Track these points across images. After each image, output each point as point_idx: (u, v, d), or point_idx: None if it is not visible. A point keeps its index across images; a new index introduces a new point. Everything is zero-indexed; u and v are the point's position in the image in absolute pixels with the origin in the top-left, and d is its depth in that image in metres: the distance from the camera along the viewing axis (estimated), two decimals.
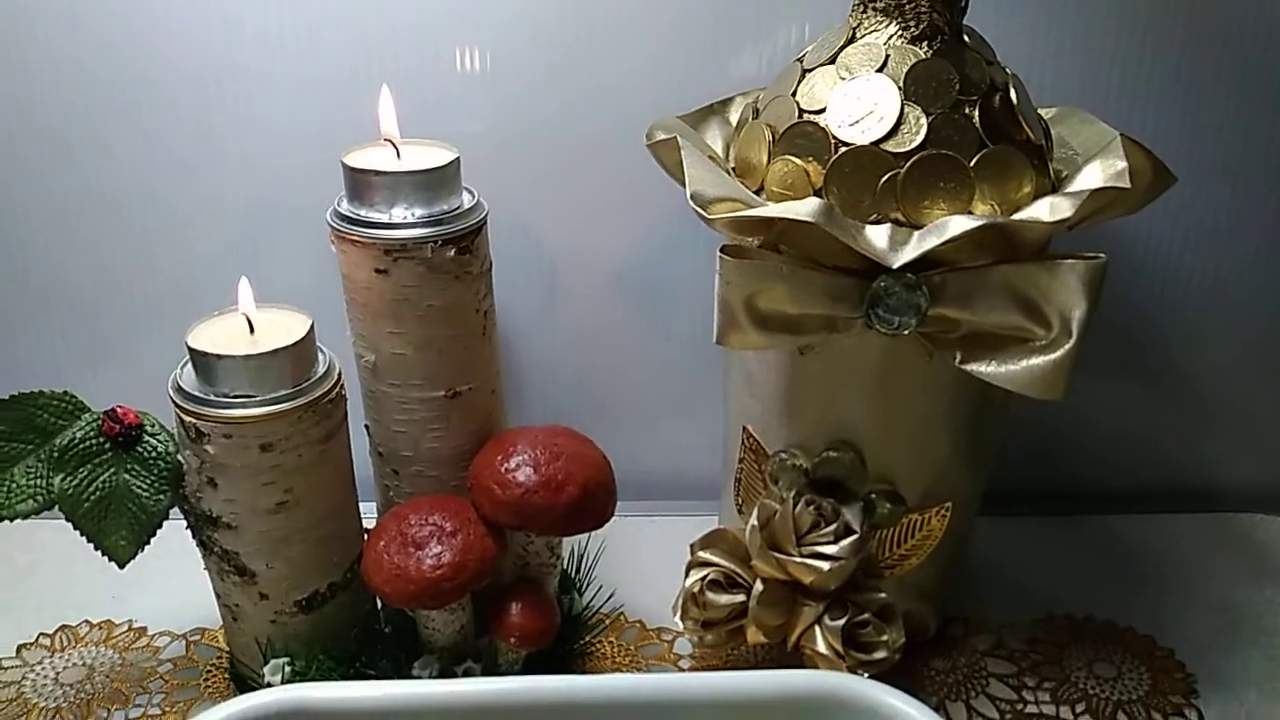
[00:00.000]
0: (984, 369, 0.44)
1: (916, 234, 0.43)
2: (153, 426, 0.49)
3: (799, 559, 0.49)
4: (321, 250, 0.51)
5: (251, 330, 0.48)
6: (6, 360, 0.65)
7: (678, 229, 0.63)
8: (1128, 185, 0.42)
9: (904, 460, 0.50)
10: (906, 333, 0.44)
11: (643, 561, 0.61)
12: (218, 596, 0.52)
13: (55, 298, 0.64)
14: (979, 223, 0.41)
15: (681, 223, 0.63)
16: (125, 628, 0.57)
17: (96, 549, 0.48)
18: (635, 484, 0.56)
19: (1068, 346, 0.42)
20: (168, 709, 0.52)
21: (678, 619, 0.54)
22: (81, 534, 0.48)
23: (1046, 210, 0.42)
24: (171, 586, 0.58)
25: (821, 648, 0.50)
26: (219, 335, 0.48)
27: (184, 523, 0.50)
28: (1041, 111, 0.51)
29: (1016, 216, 0.42)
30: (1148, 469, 0.69)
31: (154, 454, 0.48)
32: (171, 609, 0.58)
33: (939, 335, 0.45)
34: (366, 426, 0.54)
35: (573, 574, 0.58)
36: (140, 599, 0.59)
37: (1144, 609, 0.58)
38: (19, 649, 0.56)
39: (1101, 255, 0.42)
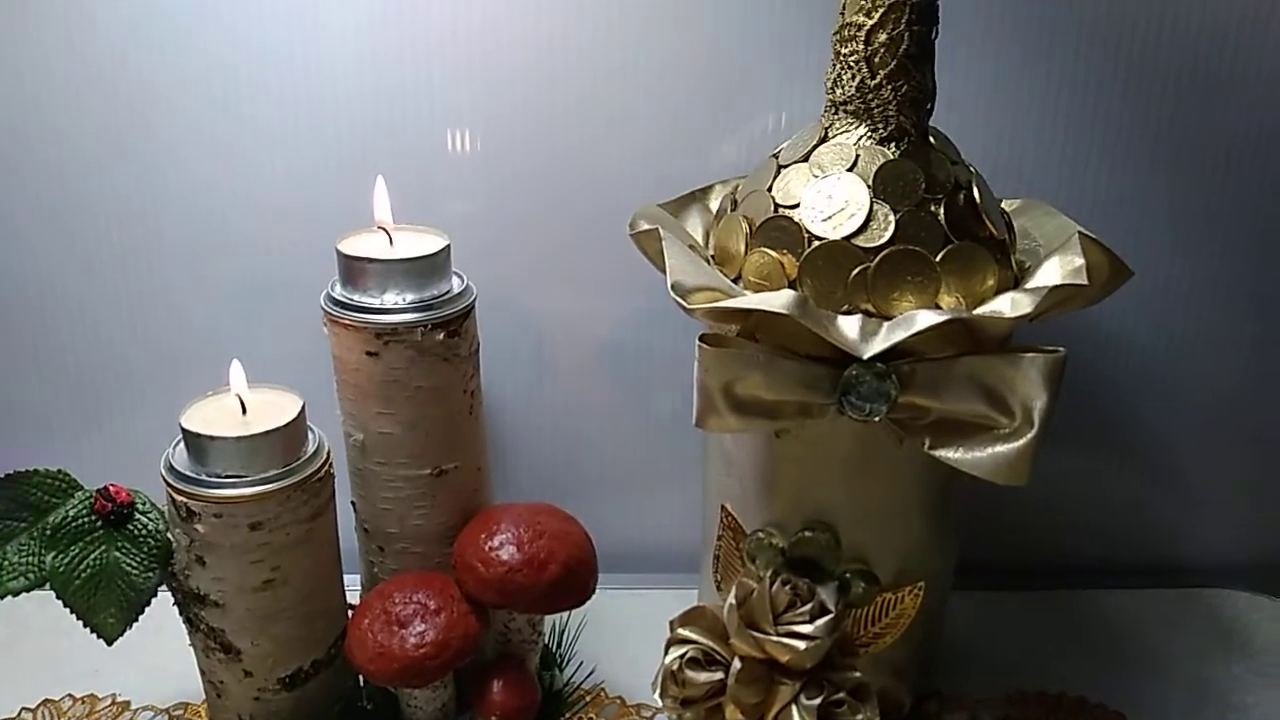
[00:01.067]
0: (951, 455, 0.46)
1: (886, 326, 0.45)
2: (144, 505, 0.50)
3: (776, 638, 0.50)
4: (313, 328, 0.53)
5: (244, 411, 0.49)
6: (5, 422, 0.66)
7: (660, 310, 0.65)
8: (1085, 282, 0.44)
9: (877, 540, 0.51)
10: (877, 419, 0.46)
11: (624, 636, 0.62)
12: (202, 673, 0.53)
13: (51, 366, 0.65)
14: (944, 317, 0.43)
15: (664, 304, 0.65)
16: (109, 702, 0.57)
17: (85, 626, 0.48)
18: (618, 556, 0.57)
19: (1030, 435, 0.44)
20: None
21: (657, 696, 0.55)
22: (71, 611, 0.48)
23: (1008, 306, 0.44)
24: (155, 661, 0.59)
25: None
26: (212, 415, 0.49)
27: (169, 600, 0.51)
28: (1005, 204, 0.54)
29: (979, 311, 0.45)
30: (1118, 542, 0.70)
31: (144, 532, 0.49)
32: (155, 684, 0.58)
33: (909, 421, 0.47)
34: (353, 503, 0.55)
35: (554, 650, 0.59)
36: (124, 673, 0.59)
37: (1115, 684, 0.59)
38: None
39: (1061, 350, 0.44)
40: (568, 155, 0.62)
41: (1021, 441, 0.44)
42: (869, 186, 0.47)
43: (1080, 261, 0.45)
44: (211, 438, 0.47)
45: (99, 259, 0.63)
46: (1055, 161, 0.62)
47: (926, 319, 0.43)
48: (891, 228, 0.46)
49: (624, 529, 0.65)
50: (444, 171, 0.62)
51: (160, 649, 0.59)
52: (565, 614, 0.60)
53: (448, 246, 0.52)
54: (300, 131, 0.60)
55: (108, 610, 0.48)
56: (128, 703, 0.57)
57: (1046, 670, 0.60)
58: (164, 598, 0.51)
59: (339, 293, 0.51)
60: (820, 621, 0.50)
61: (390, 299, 0.50)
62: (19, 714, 0.57)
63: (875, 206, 0.46)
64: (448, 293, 0.51)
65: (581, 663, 0.59)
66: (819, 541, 0.51)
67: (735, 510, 0.54)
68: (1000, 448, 0.45)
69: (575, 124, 0.61)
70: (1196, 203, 0.63)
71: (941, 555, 0.54)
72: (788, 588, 0.50)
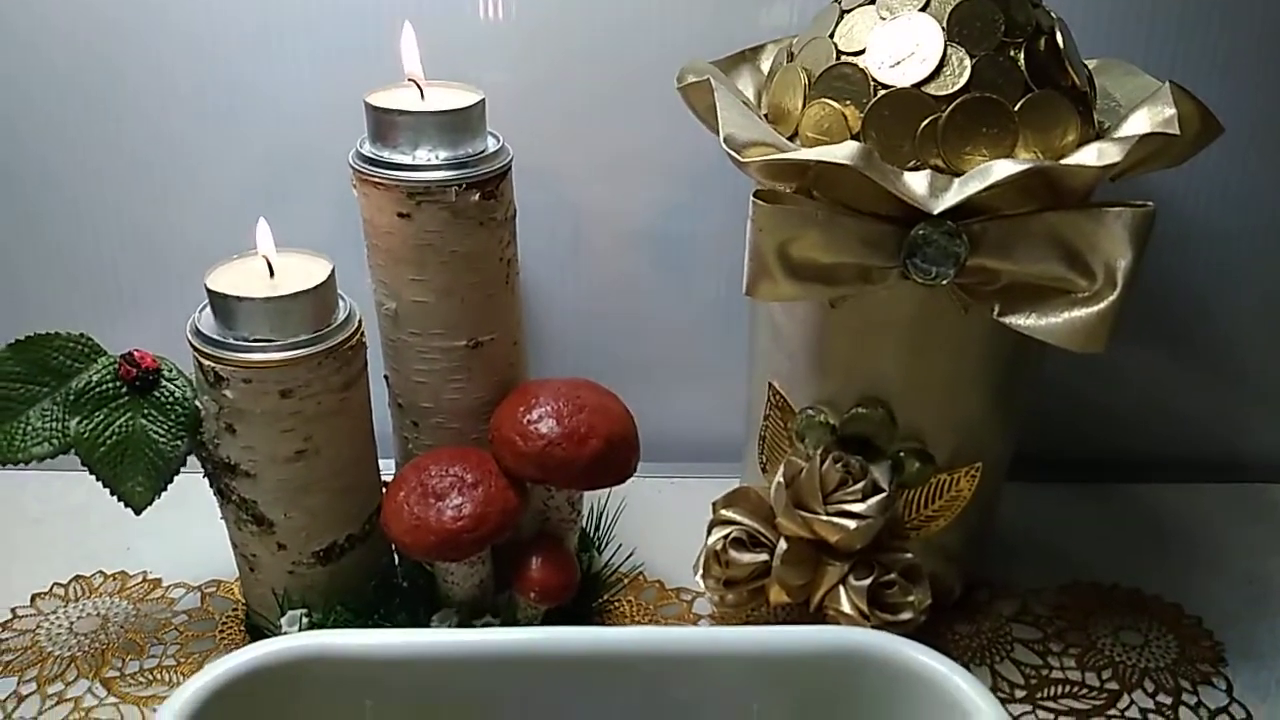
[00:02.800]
0: (1023, 321, 0.43)
1: (958, 180, 0.41)
2: (170, 371, 0.48)
3: (825, 517, 0.48)
4: (340, 200, 0.50)
5: (271, 274, 0.47)
6: (23, 306, 0.65)
7: (702, 188, 0.62)
8: (1177, 132, 0.41)
9: (934, 418, 0.49)
10: (944, 283, 0.43)
11: (662, 522, 0.60)
12: (234, 546, 0.51)
13: (72, 245, 0.63)
14: (1024, 167, 0.40)
15: (706, 182, 0.62)
16: (140, 579, 0.57)
17: (112, 494, 0.47)
18: (655, 445, 0.55)
19: (1111, 298, 0.41)
20: (182, 660, 0.52)
21: (698, 578, 0.53)
22: (97, 478, 0.47)
23: (1094, 155, 0.41)
24: (186, 539, 0.58)
25: (846, 608, 0.49)
26: (238, 278, 0.47)
27: (199, 475, 0.50)
28: (1085, 61, 0.50)
29: (1063, 161, 0.41)
30: (1178, 438, 0.68)
31: (171, 399, 0.47)
32: (186, 561, 0.57)
33: (977, 287, 0.44)
34: (386, 377, 0.53)
35: (592, 532, 0.58)
36: (155, 551, 0.58)
37: (1171, 578, 0.57)
38: (33, 598, 0.55)
39: (1149, 204, 0.41)
40: (607, 23, 0.58)
41: (1103, 305, 0.41)
42: (943, 28, 0.43)
43: (1171, 111, 0.41)
44: (239, 299, 0.45)
45: (120, 130, 0.60)
46: (1145, 23, 0.57)
47: (1005, 168, 0.40)
48: (967, 73, 0.42)
49: (661, 418, 0.63)
50: (477, 39, 0.58)
51: (191, 527, 0.58)
52: (603, 497, 0.58)
53: (482, 101, 0.49)
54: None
55: (135, 479, 0.47)
56: (159, 579, 0.57)
57: (1100, 563, 0.58)
58: (195, 478, 0.49)
59: (368, 149, 0.48)
60: (872, 500, 0.48)
61: (423, 155, 0.47)
62: (51, 589, 0.56)
63: (949, 50, 0.43)
64: (483, 151, 0.48)
65: (620, 545, 0.58)
66: (872, 418, 0.49)
67: (783, 388, 0.51)
68: (1078, 312, 0.42)
69: None
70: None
71: (1001, 437, 0.51)
72: (839, 465, 0.48)
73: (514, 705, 0.42)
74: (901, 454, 0.49)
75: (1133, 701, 0.50)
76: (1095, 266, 0.41)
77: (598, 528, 0.58)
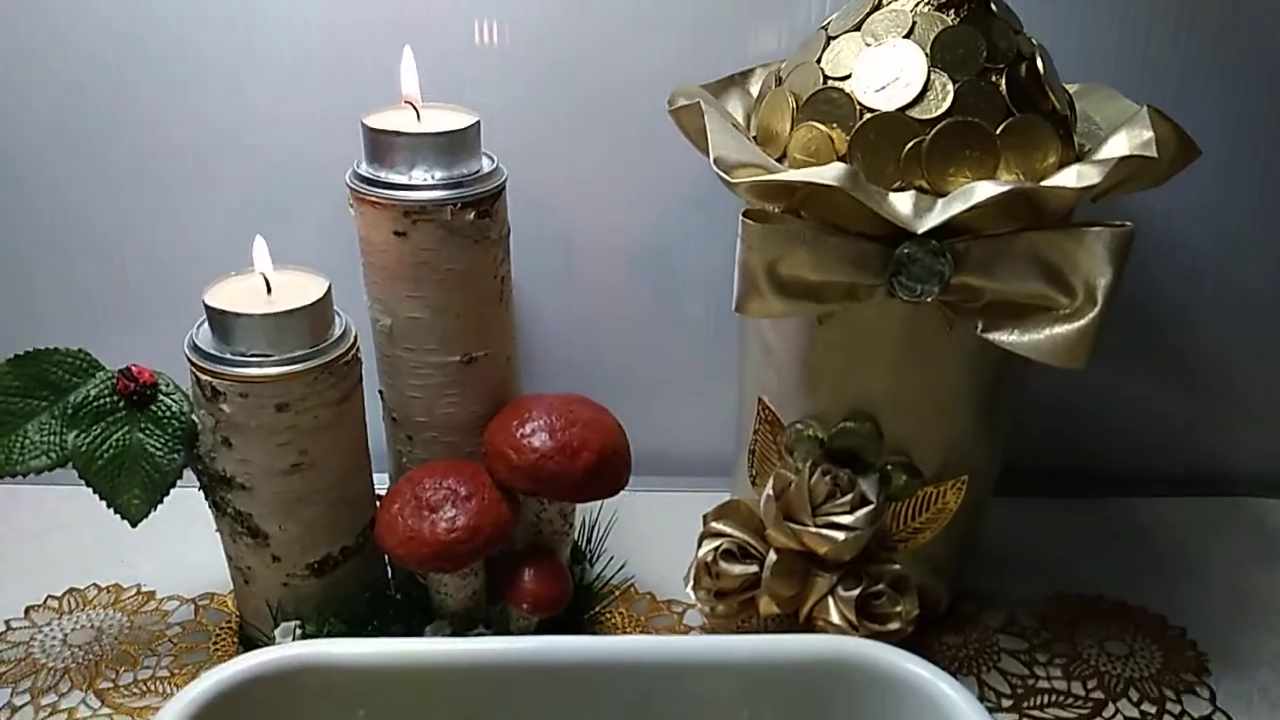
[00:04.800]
0: (1006, 338, 0.44)
1: (941, 200, 0.42)
2: (167, 386, 0.48)
3: (814, 529, 0.49)
4: (337, 220, 0.51)
5: (269, 290, 0.48)
6: (20, 321, 0.65)
7: (692, 209, 0.63)
8: (1155, 155, 0.42)
9: (921, 432, 0.50)
10: (929, 300, 0.44)
11: (653, 535, 0.61)
12: (229, 559, 0.52)
13: (71, 260, 0.64)
14: (1006, 188, 0.41)
15: (696, 203, 0.63)
16: (134, 591, 0.57)
17: (109, 507, 0.47)
18: (646, 460, 0.56)
19: (1092, 315, 0.42)
20: (176, 671, 0.52)
21: (690, 590, 0.54)
22: (95, 491, 0.47)
23: (1074, 177, 0.42)
24: (180, 552, 0.58)
25: (835, 618, 0.49)
26: (236, 295, 0.47)
27: (194, 489, 0.50)
28: (1065, 86, 0.51)
29: (1044, 183, 0.42)
30: (1160, 452, 0.69)
31: (168, 413, 0.48)
32: (180, 574, 0.58)
33: (961, 304, 0.45)
34: (380, 392, 0.54)
35: (583, 545, 0.58)
36: (149, 564, 0.58)
37: (1155, 589, 0.58)
38: (27, 610, 0.56)
39: (1127, 224, 0.42)
40: (598, 48, 0.59)
41: (1083, 321, 0.42)
42: (926, 54, 0.44)
43: (1149, 134, 0.43)
44: (236, 315, 0.46)
45: (120, 146, 0.61)
46: (1112, 47, 0.59)
47: (987, 190, 0.41)
48: (949, 98, 0.44)
49: (652, 434, 0.63)
50: (471, 65, 0.59)
51: (186, 541, 0.58)
52: (595, 510, 0.59)
53: (478, 123, 0.50)
54: (325, 18, 0.58)
55: (131, 491, 0.47)
56: (153, 592, 0.57)
57: (1086, 575, 0.59)
58: (190, 492, 0.50)
59: (365, 169, 0.49)
60: (861, 512, 0.49)
61: (419, 175, 0.48)
62: (44, 601, 0.56)
63: (932, 76, 0.44)
64: (478, 171, 0.49)
65: (612, 558, 0.58)
66: (860, 432, 0.49)
67: (773, 403, 0.52)
68: (1059, 329, 0.43)
69: (606, 14, 0.58)
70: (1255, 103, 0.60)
71: (987, 450, 0.52)
72: (828, 478, 0.49)
73: (507, 714, 0.42)
74: (889, 467, 0.50)
75: (1118, 710, 0.51)
76: (1076, 284, 0.42)
77: (589, 540, 0.58)
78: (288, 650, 0.41)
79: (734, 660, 0.42)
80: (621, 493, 0.62)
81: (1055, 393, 0.66)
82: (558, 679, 0.42)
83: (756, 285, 0.45)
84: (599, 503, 0.60)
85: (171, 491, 0.48)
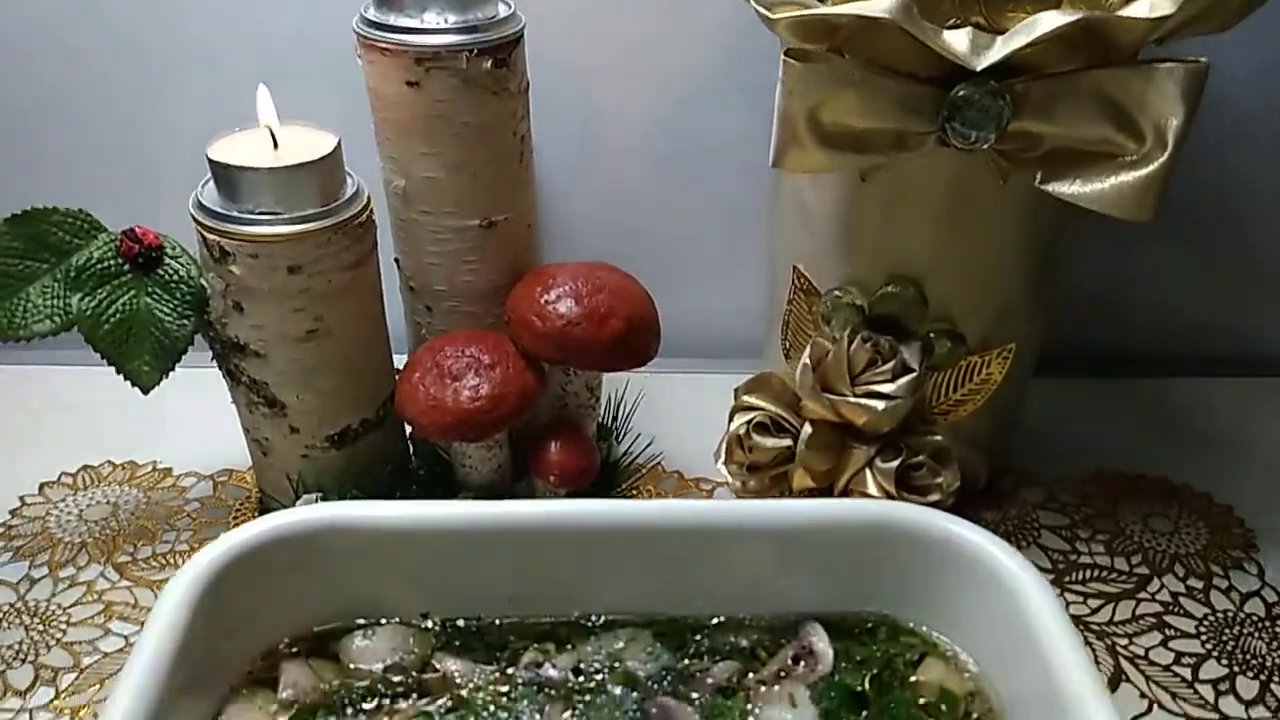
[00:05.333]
0: (1066, 189, 0.41)
1: (1001, 36, 0.39)
2: (174, 249, 0.46)
3: (852, 399, 0.47)
4: (344, 80, 0.47)
5: (275, 145, 0.45)
6: (18, 187, 0.62)
7: (721, 81, 0.59)
8: None
9: (967, 298, 0.47)
10: (984, 148, 0.41)
11: (680, 415, 0.59)
12: (246, 431, 0.50)
13: (69, 125, 0.61)
14: (1073, 18, 0.37)
15: (724, 74, 0.59)
16: (150, 468, 0.56)
17: (119, 373, 0.46)
18: (672, 343, 0.54)
19: (1161, 160, 0.39)
20: (195, 545, 0.51)
21: (720, 466, 0.52)
22: (103, 357, 0.45)
23: (1146, 7, 0.38)
24: (197, 431, 0.57)
25: (872, 490, 0.48)
26: (242, 150, 0.45)
27: (208, 369, 0.48)
28: None
29: (1114, 14, 0.39)
30: (1205, 332, 0.66)
31: (176, 277, 0.46)
32: (197, 452, 0.56)
33: (1018, 153, 0.42)
34: (396, 260, 0.51)
35: (609, 423, 0.56)
36: (164, 442, 0.57)
37: (1200, 468, 0.56)
38: (41, 486, 0.54)
39: (1202, 59, 0.38)
40: None
41: (1151, 168, 0.39)
42: None
43: None
44: (242, 169, 0.43)
45: (117, 4, 0.57)
46: None
47: (1051, 20, 0.38)
48: None
49: (679, 318, 0.61)
50: None
51: (202, 421, 0.57)
52: (620, 388, 0.57)
53: None
54: None
55: (141, 358, 0.45)
56: (170, 469, 0.56)
57: (1128, 455, 0.57)
58: (204, 371, 0.48)
59: (373, 14, 0.45)
60: (902, 381, 0.46)
61: (431, 19, 0.45)
62: (59, 478, 0.55)
63: None
64: (494, 16, 0.46)
65: (639, 434, 0.57)
66: (903, 298, 0.47)
67: (809, 270, 0.49)
68: (1125, 176, 0.40)
69: None
70: None
71: (1034, 320, 0.50)
72: (868, 345, 0.47)
73: (536, 581, 0.41)
74: (932, 335, 0.48)
75: (1163, 585, 0.49)
76: (1144, 127, 0.39)
77: (615, 418, 0.57)
78: (310, 512, 0.39)
79: (772, 525, 0.40)
80: (647, 373, 0.60)
81: (1098, 272, 0.63)
82: (585, 544, 0.40)
83: (797, 135, 0.42)
84: (624, 380, 0.59)
85: (186, 367, 0.46)
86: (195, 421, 0.57)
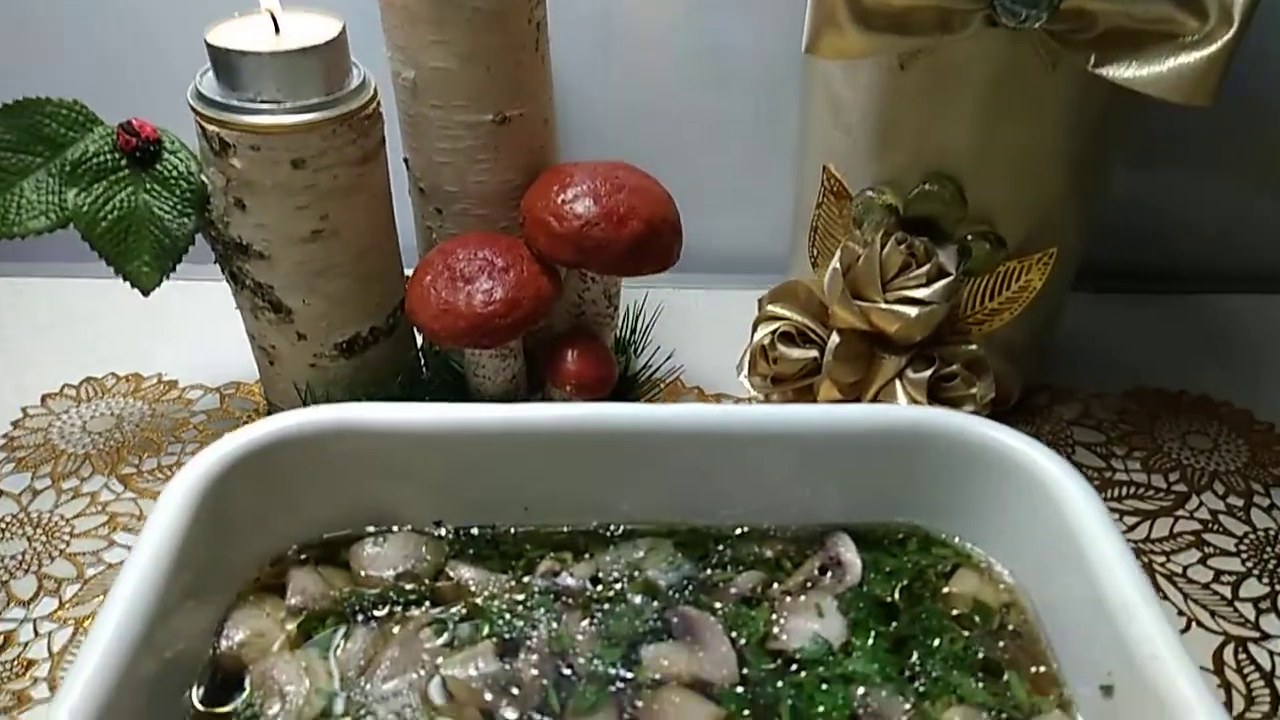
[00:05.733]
0: (1121, 73, 0.38)
1: None
2: (172, 144, 0.44)
3: (884, 305, 0.45)
4: None
5: (277, 30, 0.42)
6: (17, 72, 0.59)
7: None
8: None
9: (1007, 197, 0.45)
10: (1035, 27, 0.38)
11: (701, 330, 0.57)
12: (252, 339, 0.48)
13: (60, 15, 0.58)
14: None
15: None
16: (154, 380, 0.54)
17: (118, 274, 0.44)
18: (693, 257, 0.52)
19: (1225, 38, 0.36)
20: None
21: (743, 379, 0.50)
22: (101, 257, 0.43)
23: None
24: (202, 344, 0.55)
25: (903, 401, 0.46)
26: (242, 35, 0.42)
27: (215, 281, 0.46)
28: None
29: None
30: (1246, 249, 0.63)
31: (175, 173, 0.44)
32: (203, 365, 0.55)
33: (1070, 35, 0.39)
34: (405, 160, 0.49)
35: (627, 337, 0.54)
36: (170, 355, 0.56)
37: (1241, 385, 0.54)
38: (44, 398, 0.53)
39: None
40: None
41: (1214, 47, 0.36)
42: None
43: None
44: (242, 54, 0.41)
45: None
46: None
47: None
48: None
49: (699, 230, 0.59)
50: None
51: (208, 333, 0.56)
52: (639, 300, 0.55)
53: None
54: None
55: (140, 258, 0.44)
56: (175, 381, 0.54)
57: (1167, 371, 0.55)
58: (210, 285, 0.46)
59: None
60: (937, 285, 0.44)
61: None
62: (61, 389, 0.54)
63: None
64: None
65: (659, 347, 0.55)
66: (940, 197, 0.44)
67: (840, 170, 0.47)
68: (1185, 58, 0.37)
69: None
70: None
71: (1077, 222, 0.47)
72: (902, 247, 0.44)
73: (549, 488, 0.39)
74: (969, 238, 0.45)
75: (1202, 503, 0.47)
76: (1208, 3, 0.36)
77: (634, 331, 0.55)
78: (318, 413, 0.38)
79: (800, 430, 0.38)
80: (667, 287, 0.58)
81: (1137, 188, 0.60)
82: (602, 450, 0.38)
83: (833, 15, 0.39)
84: (644, 293, 0.56)
85: (192, 279, 0.45)
86: (202, 334, 0.56)
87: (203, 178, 0.44)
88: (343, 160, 0.43)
